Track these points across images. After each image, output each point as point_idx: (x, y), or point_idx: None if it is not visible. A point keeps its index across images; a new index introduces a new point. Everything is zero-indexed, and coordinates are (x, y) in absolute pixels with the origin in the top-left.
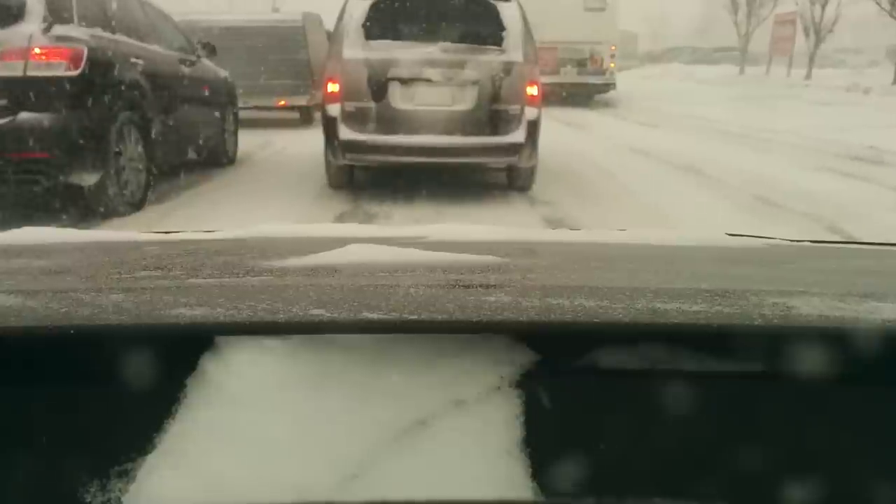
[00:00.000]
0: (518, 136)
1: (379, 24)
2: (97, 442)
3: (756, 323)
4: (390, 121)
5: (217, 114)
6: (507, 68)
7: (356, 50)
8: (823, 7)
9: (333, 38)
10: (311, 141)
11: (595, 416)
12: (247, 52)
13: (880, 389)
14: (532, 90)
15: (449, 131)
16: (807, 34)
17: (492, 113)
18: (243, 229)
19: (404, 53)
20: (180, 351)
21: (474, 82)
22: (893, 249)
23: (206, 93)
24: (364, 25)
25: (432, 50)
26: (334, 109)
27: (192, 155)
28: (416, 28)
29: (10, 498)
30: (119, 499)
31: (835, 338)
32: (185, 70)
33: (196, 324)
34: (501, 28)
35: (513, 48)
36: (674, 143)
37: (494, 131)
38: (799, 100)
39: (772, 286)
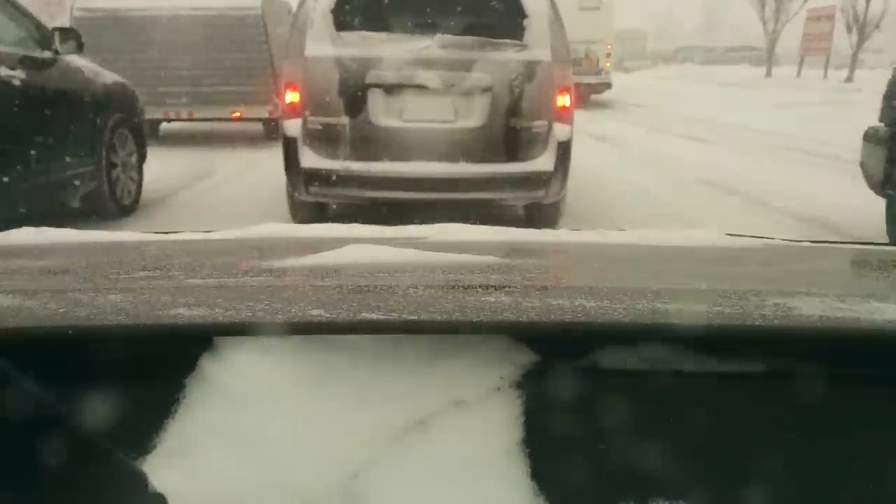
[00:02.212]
0: (545, 162)
1: (355, 10)
2: (97, 442)
3: (756, 323)
4: (370, 143)
5: (92, 141)
6: (531, 70)
7: (323, 45)
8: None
9: (294, 29)
10: (272, 166)
11: (595, 415)
12: (188, 50)
13: (881, 389)
14: (563, 100)
15: (451, 157)
16: (849, 30)
17: (509, 132)
18: (242, 229)
19: (389, 50)
20: (179, 351)
21: (485, 89)
22: (893, 250)
23: (68, 110)
24: (334, 11)
25: (428, 45)
26: (294, 127)
27: (40, 208)
28: (405, 14)
29: (9, 499)
30: (119, 499)
31: (835, 338)
32: (21, 76)
33: (195, 324)
34: (522, 14)
35: (538, 42)
36: (750, 168)
37: (513, 157)
38: (860, 107)
39: (772, 286)
